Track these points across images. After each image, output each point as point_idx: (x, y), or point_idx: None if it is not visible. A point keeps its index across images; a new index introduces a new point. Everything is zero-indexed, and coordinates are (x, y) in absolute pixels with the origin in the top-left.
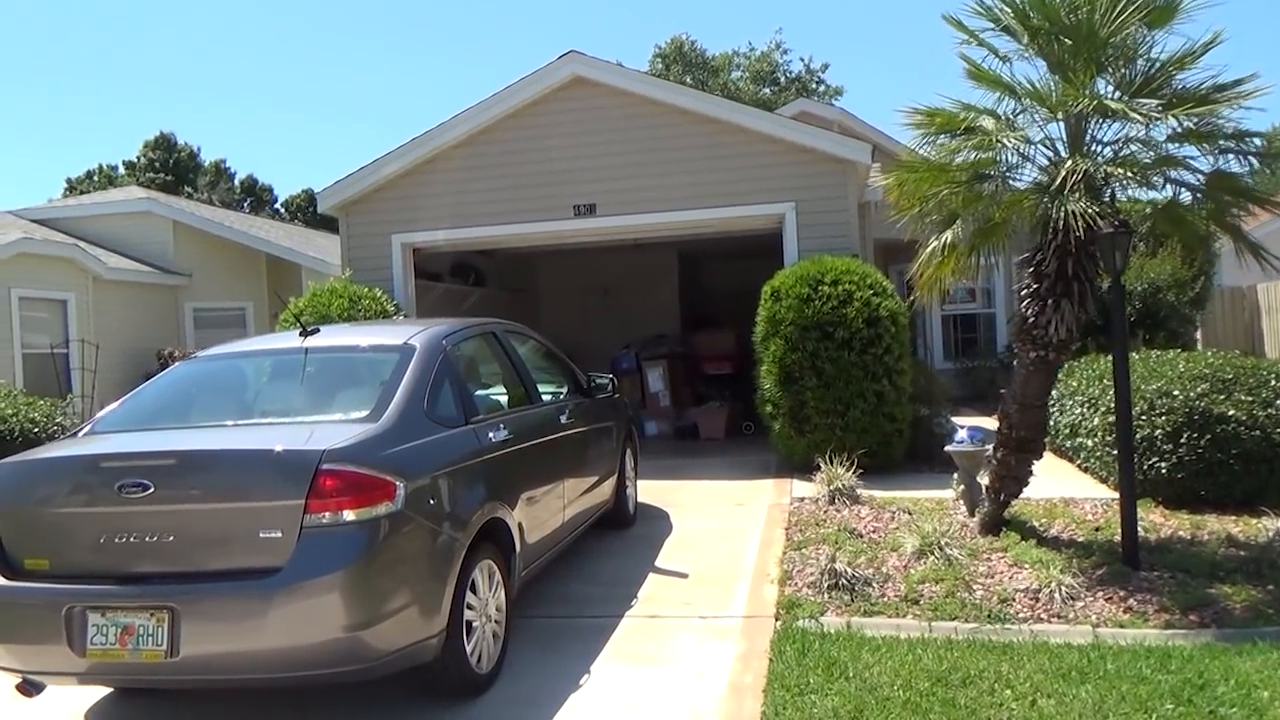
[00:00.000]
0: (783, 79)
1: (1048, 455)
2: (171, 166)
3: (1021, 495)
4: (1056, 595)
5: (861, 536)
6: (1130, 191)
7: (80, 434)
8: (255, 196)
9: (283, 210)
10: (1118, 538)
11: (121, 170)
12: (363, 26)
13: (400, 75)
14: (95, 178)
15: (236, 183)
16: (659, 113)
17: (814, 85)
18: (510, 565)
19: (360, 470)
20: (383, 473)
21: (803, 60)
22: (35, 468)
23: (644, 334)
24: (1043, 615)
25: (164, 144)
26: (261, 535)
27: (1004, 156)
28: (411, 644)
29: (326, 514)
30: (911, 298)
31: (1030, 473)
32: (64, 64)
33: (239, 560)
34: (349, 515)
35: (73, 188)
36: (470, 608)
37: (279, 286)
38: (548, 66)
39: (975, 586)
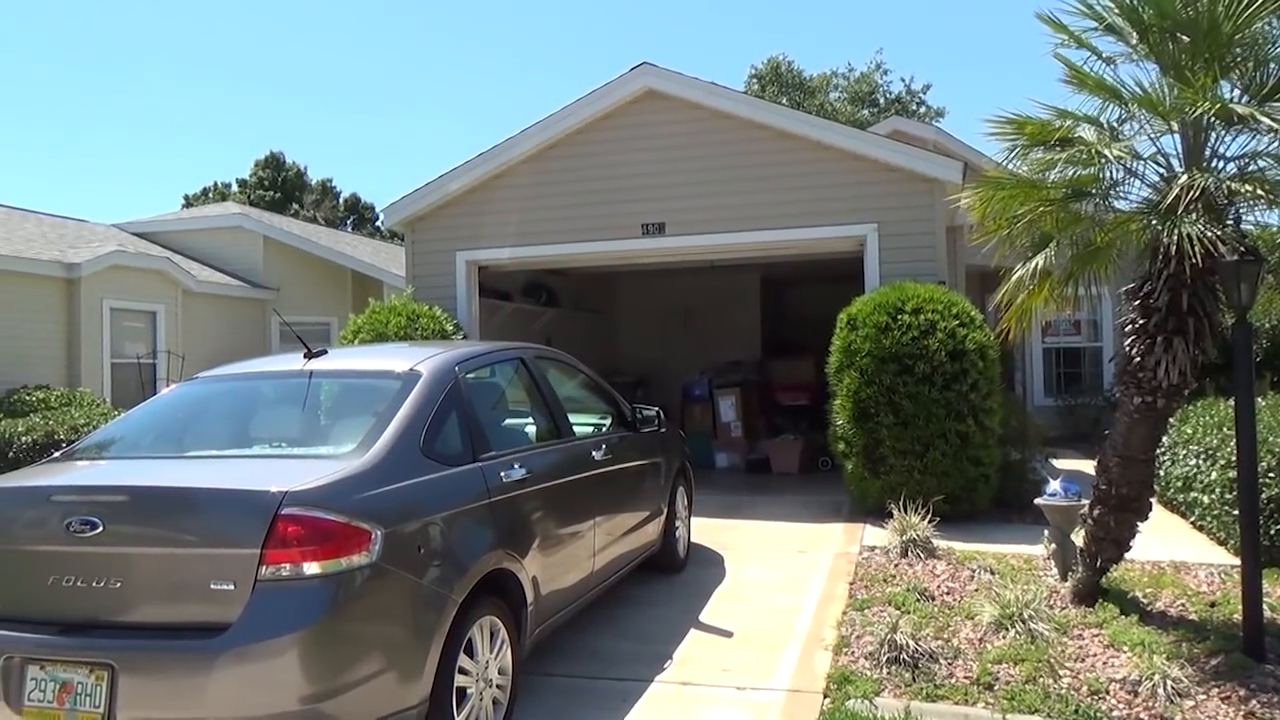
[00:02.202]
0: (882, 100)
1: (1157, 509)
2: (280, 185)
3: (1124, 558)
4: (1160, 690)
5: (933, 599)
6: (1259, 214)
7: (57, 458)
8: (358, 214)
9: (382, 228)
10: (1237, 617)
11: (235, 187)
12: (468, 52)
13: (505, 96)
14: (210, 194)
15: (341, 201)
16: (733, 127)
17: (915, 106)
18: (520, 622)
19: (327, 516)
20: (356, 519)
21: (903, 80)
22: None
23: (724, 359)
24: (1142, 716)
25: (273, 163)
26: (213, 586)
27: (1107, 172)
28: (385, 716)
29: (286, 565)
30: (998, 329)
31: (1133, 535)
32: (190, 86)
33: (187, 614)
34: (312, 568)
35: (189, 203)
36: (464, 672)
37: (363, 302)
38: (619, 79)
39: (1062, 672)
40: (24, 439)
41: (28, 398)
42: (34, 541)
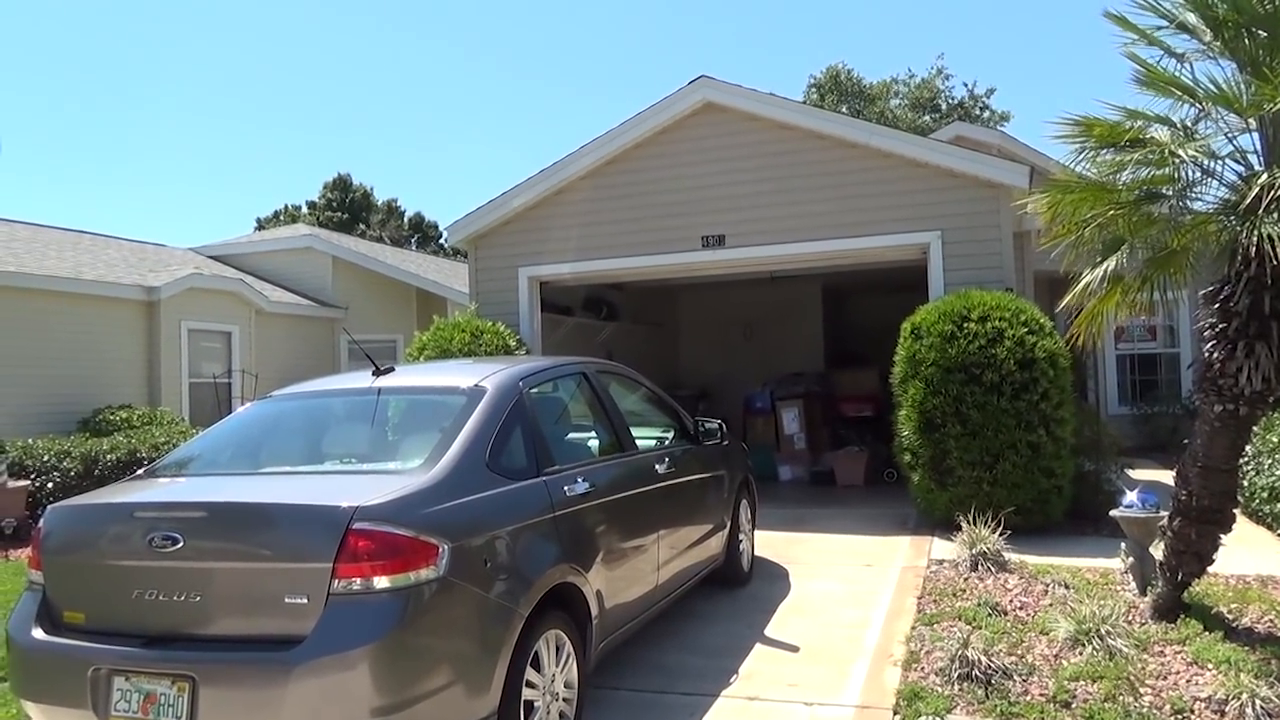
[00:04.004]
0: (944, 106)
1: (1241, 520)
2: (347, 205)
3: (1207, 572)
4: (1249, 710)
5: (1005, 613)
6: None
7: (140, 475)
8: (422, 233)
9: (445, 245)
10: None
11: (305, 209)
12: (526, 72)
13: (566, 117)
14: (281, 216)
15: (405, 220)
16: (792, 138)
17: (978, 111)
18: (585, 636)
19: (397, 531)
20: (423, 534)
21: (966, 86)
22: (81, 513)
23: (786, 371)
24: None
25: (341, 185)
26: (287, 600)
27: (1182, 172)
28: None
29: (357, 580)
30: (1067, 335)
31: (1215, 548)
32: (263, 115)
33: (263, 627)
34: (382, 581)
35: (261, 225)
36: (531, 685)
37: (428, 319)
38: (678, 92)
39: (1143, 690)
40: (109, 457)
41: (111, 417)
42: (119, 556)
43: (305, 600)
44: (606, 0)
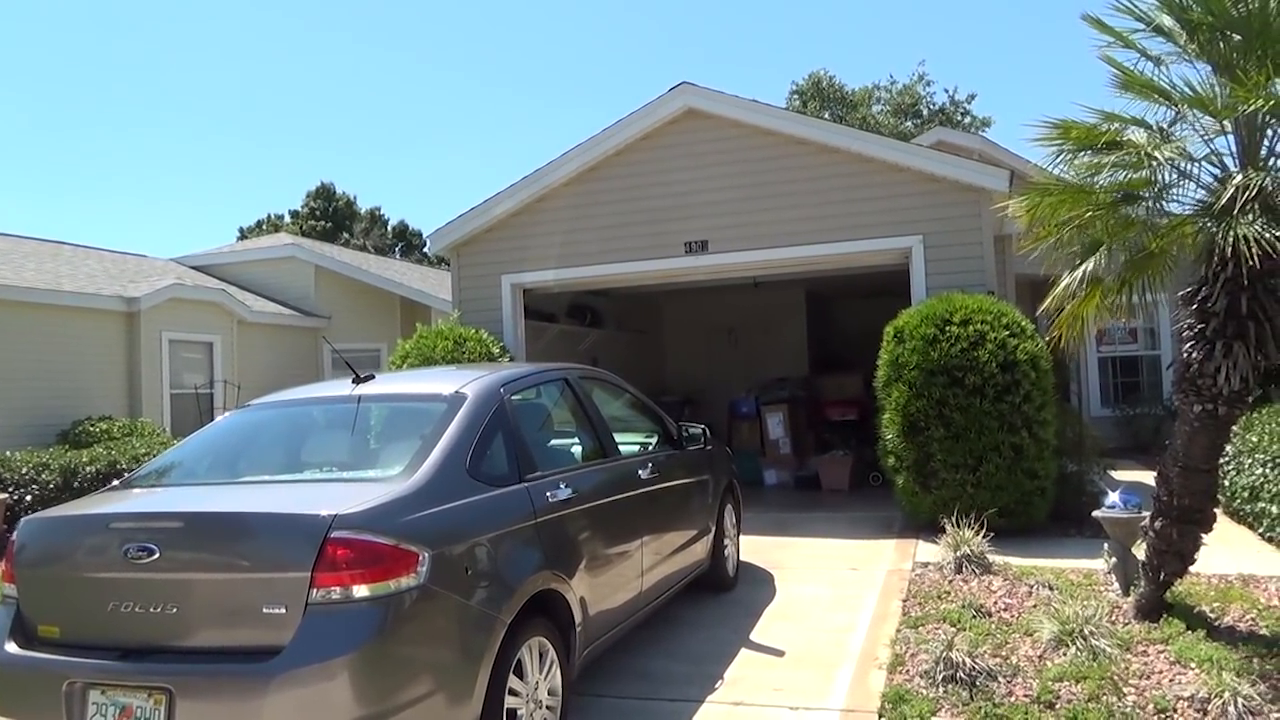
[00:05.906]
0: (925, 111)
1: (1223, 520)
2: (331, 214)
3: (1189, 571)
4: (1231, 708)
5: (990, 615)
6: None
7: (116, 486)
8: (406, 241)
9: (429, 254)
10: None
11: (287, 218)
12: (508, 81)
13: (544, 124)
14: (264, 226)
15: (389, 228)
16: (774, 143)
17: (959, 117)
18: (569, 643)
19: (376, 539)
20: (403, 541)
21: (947, 91)
22: (55, 525)
23: (770, 376)
24: None
25: (324, 194)
26: (265, 610)
27: (1159, 174)
28: None
29: (336, 589)
30: (1048, 337)
31: (1196, 548)
32: (244, 123)
33: (241, 638)
34: (361, 590)
35: (244, 235)
36: (514, 693)
37: (412, 327)
38: (660, 98)
39: (1126, 690)
40: (88, 469)
41: (91, 429)
42: (94, 568)
43: (284, 610)
44: (589, 10)
